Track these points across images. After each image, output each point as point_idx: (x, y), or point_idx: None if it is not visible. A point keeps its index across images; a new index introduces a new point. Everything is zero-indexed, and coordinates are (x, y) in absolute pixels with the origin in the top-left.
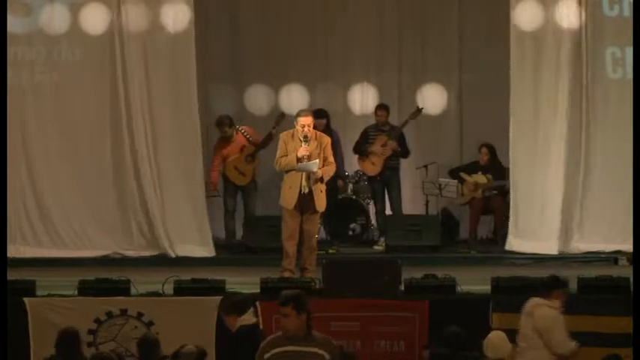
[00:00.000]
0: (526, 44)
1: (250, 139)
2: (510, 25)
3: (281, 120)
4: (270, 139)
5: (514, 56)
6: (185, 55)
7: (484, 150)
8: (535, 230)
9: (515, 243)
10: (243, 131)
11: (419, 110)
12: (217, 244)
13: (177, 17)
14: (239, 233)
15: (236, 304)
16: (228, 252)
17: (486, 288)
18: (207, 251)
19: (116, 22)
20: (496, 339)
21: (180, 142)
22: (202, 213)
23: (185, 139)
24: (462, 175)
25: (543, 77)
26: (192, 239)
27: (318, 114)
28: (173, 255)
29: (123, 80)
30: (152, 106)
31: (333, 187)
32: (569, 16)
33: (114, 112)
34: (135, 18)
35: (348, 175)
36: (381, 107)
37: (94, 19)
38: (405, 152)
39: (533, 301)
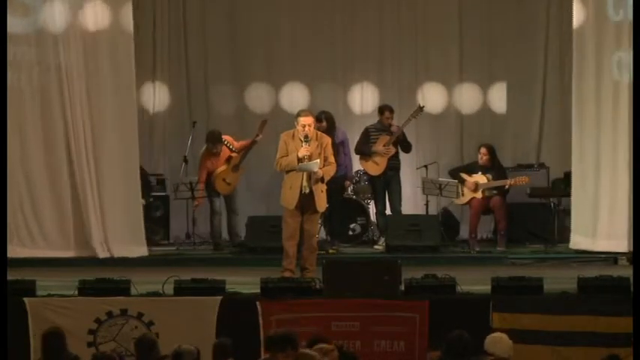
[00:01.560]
0: (587, 43)
1: (233, 148)
2: (573, 23)
3: (264, 126)
4: (253, 144)
5: (576, 55)
6: (125, 55)
7: (483, 150)
8: (603, 229)
9: (580, 241)
10: (225, 142)
11: (420, 108)
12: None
13: (118, 17)
14: (224, 232)
15: None
16: (228, 252)
17: (486, 288)
18: (141, 251)
19: (53, 22)
20: (498, 336)
21: (118, 143)
22: (138, 214)
23: (123, 140)
24: (462, 175)
25: (605, 75)
26: (128, 239)
27: (317, 118)
28: (108, 255)
29: (66, 81)
30: (92, 109)
31: (335, 187)
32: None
33: (56, 112)
34: (73, 18)
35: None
36: (389, 109)
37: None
38: (407, 147)
39: None
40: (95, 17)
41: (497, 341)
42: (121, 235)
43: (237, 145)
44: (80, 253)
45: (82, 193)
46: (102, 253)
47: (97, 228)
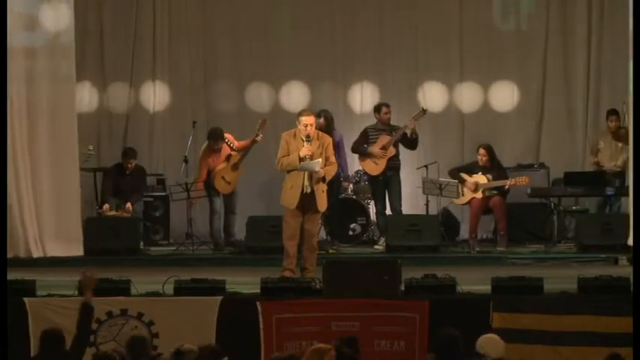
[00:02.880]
0: None
1: (233, 147)
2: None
3: (264, 126)
4: (253, 143)
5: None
6: (64, 54)
7: (482, 151)
8: None
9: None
10: (227, 140)
11: (423, 111)
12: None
13: (57, 17)
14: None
15: None
16: (228, 252)
17: (486, 288)
18: (76, 250)
19: None
20: (491, 337)
21: (56, 141)
22: (75, 213)
23: (61, 138)
24: (462, 175)
25: None
26: (62, 238)
27: (317, 114)
28: (42, 254)
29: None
30: (29, 107)
31: (333, 188)
32: None
33: None
34: (13, 17)
35: (348, 176)
36: (385, 104)
37: None
38: (413, 144)
39: None
40: (34, 16)
41: (490, 342)
42: (56, 235)
43: (237, 144)
44: (17, 252)
45: (17, 191)
46: (36, 253)
47: (31, 227)
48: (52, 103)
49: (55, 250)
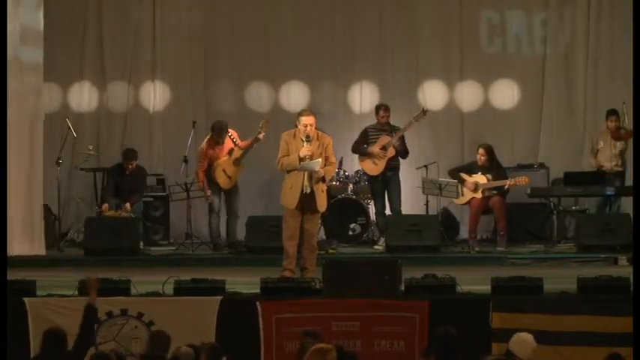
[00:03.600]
0: None
1: (236, 142)
2: None
3: (266, 125)
4: (255, 141)
5: None
6: (32, 56)
7: (481, 151)
8: None
9: None
10: (230, 135)
11: (424, 112)
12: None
13: (29, 18)
14: (222, 232)
15: None
16: (228, 252)
17: (486, 288)
18: (37, 250)
19: None
20: (523, 337)
21: (21, 143)
22: (37, 213)
23: (25, 138)
24: (462, 175)
25: None
26: (26, 239)
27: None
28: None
29: None
30: None
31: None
32: None
33: None
34: None
35: (348, 175)
36: (385, 108)
37: None
38: (404, 152)
39: None
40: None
41: (519, 342)
42: (21, 235)
43: (241, 143)
44: None
45: None
46: None
47: None
48: (19, 107)
49: (18, 249)
